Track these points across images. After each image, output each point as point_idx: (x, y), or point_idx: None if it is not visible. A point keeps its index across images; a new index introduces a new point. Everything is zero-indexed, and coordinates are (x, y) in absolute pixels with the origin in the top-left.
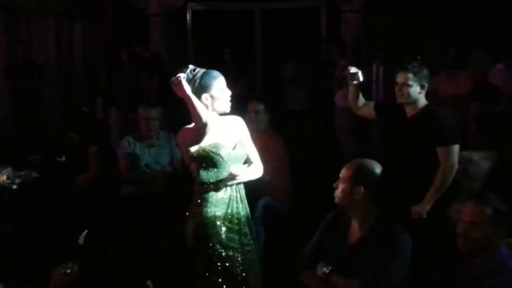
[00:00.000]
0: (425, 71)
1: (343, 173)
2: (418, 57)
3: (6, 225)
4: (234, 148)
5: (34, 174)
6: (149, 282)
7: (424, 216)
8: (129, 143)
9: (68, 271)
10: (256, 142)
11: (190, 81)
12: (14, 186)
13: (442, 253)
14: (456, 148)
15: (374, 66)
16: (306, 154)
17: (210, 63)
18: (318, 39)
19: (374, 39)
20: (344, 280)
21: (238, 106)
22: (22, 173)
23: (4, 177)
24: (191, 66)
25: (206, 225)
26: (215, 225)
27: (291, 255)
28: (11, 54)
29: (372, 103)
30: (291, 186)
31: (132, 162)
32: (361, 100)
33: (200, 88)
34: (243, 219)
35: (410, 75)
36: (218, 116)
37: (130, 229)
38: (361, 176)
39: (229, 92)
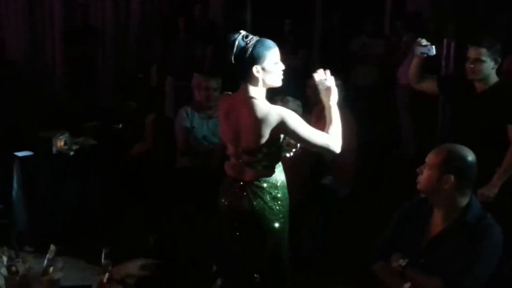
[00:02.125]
0: (499, 46)
1: (431, 158)
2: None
3: (62, 191)
4: None
5: (91, 141)
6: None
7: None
8: (187, 114)
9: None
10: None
11: (241, 49)
12: (71, 153)
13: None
14: None
15: (445, 41)
16: (370, 132)
17: (268, 34)
18: (382, 12)
19: (444, 12)
20: (423, 276)
21: (297, 79)
22: (79, 139)
23: (62, 143)
24: (243, 32)
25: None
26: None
27: (350, 239)
28: (69, 18)
29: (434, 78)
30: (355, 167)
31: (190, 134)
32: (423, 74)
33: (252, 59)
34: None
35: (483, 50)
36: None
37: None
38: (452, 163)
39: (282, 66)
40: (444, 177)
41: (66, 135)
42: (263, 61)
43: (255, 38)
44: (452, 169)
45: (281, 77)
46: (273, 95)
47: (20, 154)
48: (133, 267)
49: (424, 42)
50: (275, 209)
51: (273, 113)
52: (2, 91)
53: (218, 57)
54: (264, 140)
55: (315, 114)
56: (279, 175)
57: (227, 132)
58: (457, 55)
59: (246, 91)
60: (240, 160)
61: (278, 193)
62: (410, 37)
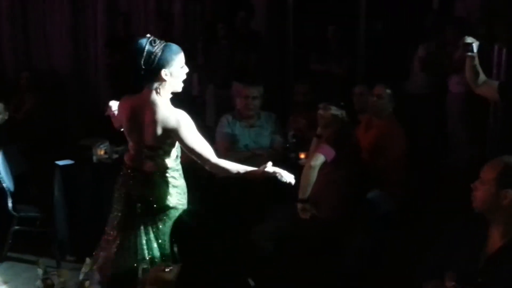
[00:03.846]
0: None
1: (486, 173)
2: None
3: (101, 200)
4: None
5: None
6: (250, 280)
7: None
8: (228, 122)
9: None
10: (375, 129)
11: (150, 53)
12: (110, 161)
13: None
14: None
15: (496, 47)
16: (418, 142)
17: (311, 41)
18: (429, 18)
19: (495, 16)
20: None
21: (342, 87)
22: (119, 148)
23: (102, 152)
24: (150, 37)
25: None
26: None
27: (399, 254)
28: (111, 27)
29: (495, 83)
30: (406, 180)
31: (231, 142)
32: (482, 77)
33: (161, 63)
34: None
35: None
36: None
37: (226, 213)
38: (509, 177)
39: (187, 69)
40: (501, 192)
41: (107, 144)
42: (171, 65)
43: (162, 43)
44: (510, 183)
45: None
46: (317, 103)
47: (61, 163)
48: (169, 274)
49: (468, 39)
50: (174, 197)
51: (172, 117)
52: (46, 100)
53: (260, 65)
54: (162, 139)
55: (365, 122)
56: (177, 167)
57: (132, 130)
58: (509, 61)
59: (151, 94)
60: (142, 154)
61: (176, 182)
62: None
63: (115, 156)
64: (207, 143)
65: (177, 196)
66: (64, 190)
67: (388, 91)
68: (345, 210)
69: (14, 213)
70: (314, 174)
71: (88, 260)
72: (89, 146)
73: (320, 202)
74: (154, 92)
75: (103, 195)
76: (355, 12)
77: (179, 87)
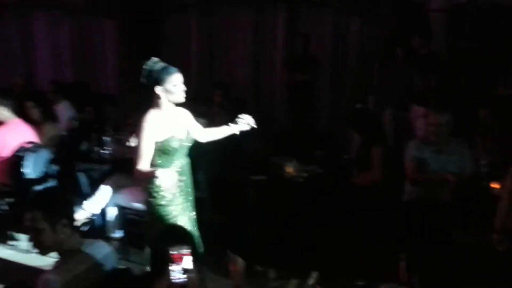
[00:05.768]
0: None
1: None
2: None
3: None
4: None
5: (319, 170)
6: None
7: None
8: (417, 146)
9: None
10: None
11: (149, 72)
12: (301, 180)
13: None
14: None
15: None
16: None
17: (492, 63)
18: None
19: None
20: None
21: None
22: (308, 167)
23: (291, 169)
24: (154, 59)
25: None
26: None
27: None
28: (290, 47)
29: None
30: None
31: (420, 166)
32: None
33: (155, 81)
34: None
35: None
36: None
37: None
38: None
39: (183, 88)
40: None
41: (294, 162)
42: (164, 83)
43: (161, 65)
44: None
45: (183, 94)
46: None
47: (254, 178)
48: None
49: None
50: (158, 195)
51: (141, 121)
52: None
53: (443, 89)
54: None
55: None
56: (166, 173)
57: None
58: None
59: (152, 106)
60: None
61: (158, 184)
62: None
63: (305, 174)
64: (147, 151)
65: (161, 195)
66: (256, 203)
67: None
68: None
69: None
70: None
71: (313, 273)
72: (280, 164)
73: None
74: (154, 104)
75: (294, 211)
76: None
77: (178, 100)
